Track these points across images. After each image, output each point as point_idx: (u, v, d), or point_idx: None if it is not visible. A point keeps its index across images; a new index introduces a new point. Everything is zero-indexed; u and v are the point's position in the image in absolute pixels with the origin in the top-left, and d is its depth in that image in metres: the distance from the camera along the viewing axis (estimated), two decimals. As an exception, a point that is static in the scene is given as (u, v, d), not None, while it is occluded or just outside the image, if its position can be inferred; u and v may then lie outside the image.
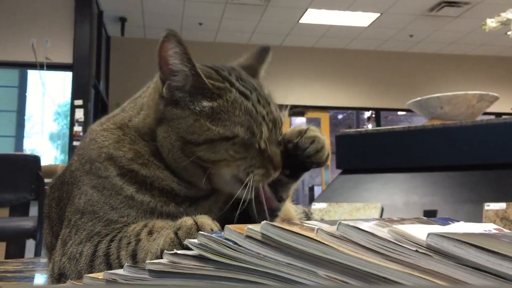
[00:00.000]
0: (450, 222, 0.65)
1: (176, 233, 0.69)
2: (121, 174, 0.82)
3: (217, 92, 0.82)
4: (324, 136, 0.89)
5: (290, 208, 1.19)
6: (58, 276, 0.79)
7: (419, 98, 2.49)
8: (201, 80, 0.81)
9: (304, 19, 7.85)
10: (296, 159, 0.88)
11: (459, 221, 0.67)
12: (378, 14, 7.65)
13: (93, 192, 0.82)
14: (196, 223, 0.71)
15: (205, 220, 0.72)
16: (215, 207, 0.88)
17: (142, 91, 0.93)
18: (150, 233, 0.75)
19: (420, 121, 7.88)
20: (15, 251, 3.12)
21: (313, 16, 7.74)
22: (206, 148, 0.79)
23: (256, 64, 0.96)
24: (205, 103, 0.81)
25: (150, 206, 0.81)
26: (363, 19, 7.83)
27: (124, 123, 0.88)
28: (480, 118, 2.39)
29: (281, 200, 0.91)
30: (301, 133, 0.87)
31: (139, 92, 0.94)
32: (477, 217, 1.75)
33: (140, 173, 0.82)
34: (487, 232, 0.56)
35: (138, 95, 0.93)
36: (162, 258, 0.58)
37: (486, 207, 1.76)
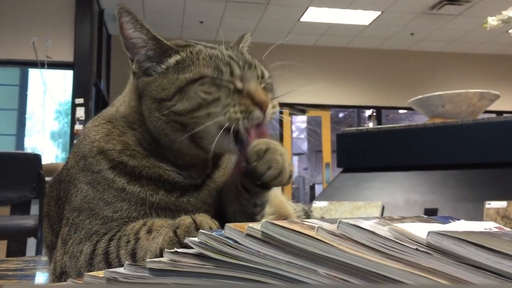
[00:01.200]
0: (451, 221, 0.65)
1: (175, 232, 0.69)
2: (112, 167, 0.83)
3: (180, 48, 0.85)
4: (285, 155, 0.81)
5: (287, 205, 1.19)
6: (59, 275, 0.80)
7: (420, 97, 2.49)
8: (161, 42, 0.84)
9: (305, 18, 7.84)
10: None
11: (459, 219, 0.67)
12: (379, 12, 7.64)
13: (88, 188, 0.83)
14: (194, 221, 0.71)
15: (204, 219, 0.72)
16: (209, 198, 0.88)
17: (127, 85, 0.95)
18: (149, 231, 0.75)
19: (421, 119, 7.87)
20: (16, 249, 3.13)
21: (314, 14, 7.73)
22: (179, 99, 0.80)
23: (234, 45, 0.98)
24: (170, 60, 0.83)
25: (140, 196, 0.81)
26: (364, 17, 7.82)
27: (113, 116, 0.90)
28: (481, 116, 2.39)
29: (256, 205, 0.87)
30: (259, 155, 0.79)
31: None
32: (478, 216, 1.75)
33: (129, 164, 0.83)
34: (487, 230, 0.56)
35: (124, 91, 0.95)
36: (161, 256, 0.58)
37: (487, 206, 1.76)
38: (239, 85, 0.81)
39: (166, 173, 0.83)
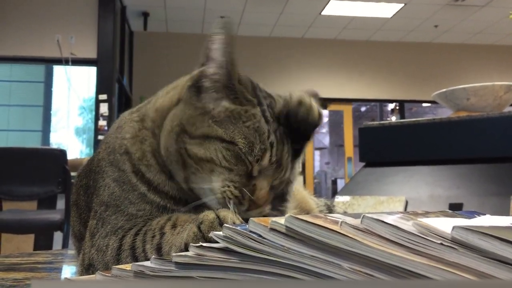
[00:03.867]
0: (476, 215, 0.64)
1: (199, 227, 0.70)
2: (134, 172, 0.84)
3: (242, 100, 0.80)
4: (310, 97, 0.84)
5: (309, 200, 1.19)
6: (87, 267, 0.82)
7: (444, 90, 2.45)
8: (233, 80, 0.80)
9: (326, 11, 7.78)
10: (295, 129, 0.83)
11: (485, 214, 0.66)
12: (402, 5, 7.53)
13: (114, 186, 0.85)
14: (218, 216, 0.72)
15: (227, 214, 0.73)
16: None
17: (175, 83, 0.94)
18: (174, 226, 0.76)
19: (445, 113, 7.75)
20: (43, 243, 3.20)
21: (335, 8, 7.67)
22: (198, 143, 0.77)
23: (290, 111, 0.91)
24: (224, 104, 0.79)
25: (161, 204, 0.83)
26: (386, 9, 7.72)
27: (146, 114, 0.89)
28: (508, 109, 2.34)
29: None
30: (287, 101, 0.82)
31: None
32: (504, 210, 1.73)
33: (146, 175, 0.84)
34: (514, 225, 0.55)
35: (169, 86, 0.94)
36: (185, 251, 0.59)
37: (513, 200, 1.73)
38: (254, 173, 0.79)
39: (178, 192, 0.84)
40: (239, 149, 0.77)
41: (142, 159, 0.85)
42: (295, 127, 0.83)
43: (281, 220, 0.50)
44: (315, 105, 0.84)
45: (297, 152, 0.85)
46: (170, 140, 0.81)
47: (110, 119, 5.99)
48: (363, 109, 11.93)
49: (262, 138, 0.78)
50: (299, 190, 1.16)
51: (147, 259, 0.62)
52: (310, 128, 0.84)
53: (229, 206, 0.76)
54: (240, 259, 0.52)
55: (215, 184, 0.78)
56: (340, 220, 0.48)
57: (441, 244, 0.42)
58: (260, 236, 0.51)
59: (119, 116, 0.97)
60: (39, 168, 3.26)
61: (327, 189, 10.16)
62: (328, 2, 7.42)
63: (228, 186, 0.77)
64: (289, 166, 0.83)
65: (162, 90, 0.93)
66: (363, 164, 2.41)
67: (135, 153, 0.86)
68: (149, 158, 0.85)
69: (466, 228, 0.41)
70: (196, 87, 0.82)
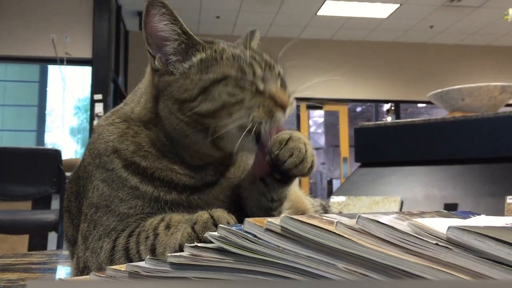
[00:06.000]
0: (471, 216, 0.64)
1: (193, 228, 0.70)
2: (125, 166, 0.84)
3: (206, 45, 0.84)
4: (308, 145, 0.83)
5: (304, 200, 1.19)
6: (82, 269, 0.82)
7: (439, 90, 2.46)
8: (192, 36, 0.83)
9: (322, 11, 7.80)
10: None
11: (480, 214, 0.66)
12: (398, 5, 7.55)
13: (103, 186, 0.85)
14: (212, 216, 0.72)
15: (221, 214, 0.73)
16: (221, 195, 0.88)
17: (140, 83, 0.96)
18: (168, 227, 0.76)
19: (440, 113, 7.77)
20: (38, 244, 3.19)
21: (331, 8, 7.68)
22: (202, 99, 0.79)
23: (245, 43, 0.97)
24: (195, 58, 0.83)
25: (154, 195, 0.83)
26: (382, 10, 7.74)
27: (128, 115, 0.90)
28: (502, 110, 2.35)
29: (273, 200, 0.87)
30: (281, 143, 0.80)
31: (138, 85, 0.96)
32: (499, 211, 1.73)
33: (141, 165, 0.84)
34: (508, 225, 0.55)
35: (137, 87, 0.96)
36: (180, 252, 0.59)
37: (508, 200, 1.74)
38: (261, 86, 0.82)
39: (177, 177, 0.84)
40: (235, 79, 0.80)
41: (136, 151, 0.85)
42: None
43: (277, 220, 0.50)
44: (309, 157, 0.84)
45: None
46: (177, 121, 0.82)
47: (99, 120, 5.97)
48: (358, 109, 11.95)
49: (242, 58, 0.82)
50: (295, 190, 1.16)
51: (141, 260, 0.62)
52: (297, 176, 0.86)
53: (264, 129, 0.79)
54: (235, 260, 0.52)
55: (240, 120, 0.79)
56: (336, 220, 0.48)
57: (436, 244, 0.42)
58: (255, 236, 0.51)
59: (94, 128, 0.97)
60: (34, 168, 3.24)
61: (323, 190, 10.16)
62: (323, 2, 7.43)
63: (252, 113, 0.79)
64: (275, 63, 0.88)
65: (129, 97, 0.95)
66: (358, 164, 2.42)
67: (127, 147, 0.86)
68: (147, 148, 0.85)
69: (461, 228, 0.41)
70: (166, 71, 0.84)
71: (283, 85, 0.88)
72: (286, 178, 0.85)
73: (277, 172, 0.83)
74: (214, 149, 0.83)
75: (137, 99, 0.91)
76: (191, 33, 0.84)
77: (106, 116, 0.95)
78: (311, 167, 0.83)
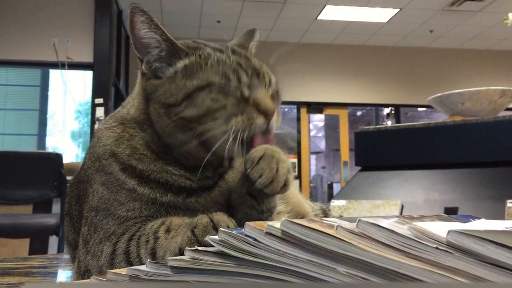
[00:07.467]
0: (471, 219, 0.64)
1: (193, 231, 0.70)
2: (123, 169, 0.85)
3: (190, 51, 0.84)
4: (281, 163, 0.79)
5: (304, 204, 1.19)
6: (83, 273, 0.82)
7: (439, 94, 2.46)
8: (174, 44, 0.84)
9: (322, 16, 7.81)
10: None
11: (480, 218, 0.67)
12: (397, 10, 7.57)
13: (103, 189, 0.85)
14: (212, 220, 0.72)
15: (221, 217, 0.73)
16: (220, 198, 0.88)
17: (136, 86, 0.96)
18: (168, 231, 0.76)
19: (440, 117, 7.77)
20: (39, 247, 3.19)
21: (331, 13, 7.69)
22: (187, 105, 0.80)
23: (244, 42, 0.98)
24: (179, 64, 0.83)
25: (151, 197, 0.83)
26: (382, 14, 7.76)
27: (124, 117, 0.91)
28: (502, 114, 2.35)
29: (262, 212, 0.86)
30: (253, 162, 0.79)
31: (135, 88, 0.97)
32: (499, 214, 1.73)
33: (137, 168, 0.85)
34: (508, 229, 0.55)
35: (133, 90, 0.96)
36: (180, 255, 0.59)
37: (508, 204, 1.74)
38: (246, 92, 0.82)
39: (173, 178, 0.84)
40: (219, 86, 0.80)
41: (132, 154, 0.86)
42: None
43: (277, 224, 0.50)
44: (281, 175, 0.82)
45: None
46: (165, 124, 0.83)
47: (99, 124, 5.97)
48: (358, 113, 11.95)
49: (228, 63, 0.82)
50: (295, 194, 1.16)
51: (142, 264, 0.62)
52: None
53: (244, 136, 0.79)
54: (236, 263, 0.52)
55: (222, 127, 0.79)
56: (336, 224, 0.48)
57: (437, 248, 0.42)
58: (255, 240, 0.51)
59: (94, 132, 0.98)
60: (35, 172, 3.24)
61: (323, 193, 10.15)
62: (324, 7, 7.45)
63: (231, 120, 0.79)
64: (265, 67, 0.87)
65: (126, 100, 0.97)
66: (359, 168, 2.42)
67: (123, 151, 0.86)
68: (142, 150, 0.86)
69: (461, 232, 0.42)
70: (152, 76, 0.85)
71: (275, 95, 0.87)
72: (261, 194, 0.83)
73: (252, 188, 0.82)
74: (205, 152, 0.82)
75: (132, 101, 0.93)
76: (173, 40, 0.84)
77: (105, 120, 0.97)
78: (285, 185, 0.80)
